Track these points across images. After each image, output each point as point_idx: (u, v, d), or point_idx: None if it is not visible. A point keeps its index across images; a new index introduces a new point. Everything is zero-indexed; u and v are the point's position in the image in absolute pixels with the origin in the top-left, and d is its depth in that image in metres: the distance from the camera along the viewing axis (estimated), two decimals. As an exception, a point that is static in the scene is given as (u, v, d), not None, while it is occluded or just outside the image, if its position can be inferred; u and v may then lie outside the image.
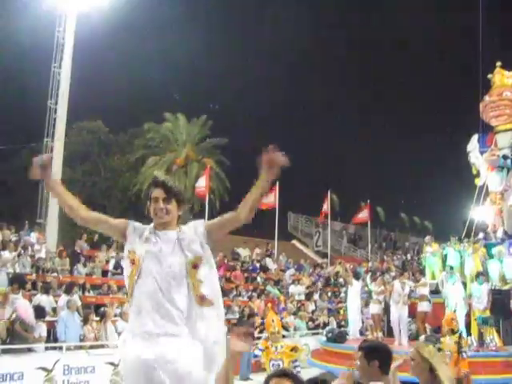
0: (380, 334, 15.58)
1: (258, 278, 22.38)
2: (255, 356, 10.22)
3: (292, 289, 21.54)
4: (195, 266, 3.53)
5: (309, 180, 37.92)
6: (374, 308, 15.70)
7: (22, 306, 12.32)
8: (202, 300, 3.52)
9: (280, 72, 42.59)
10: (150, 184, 3.75)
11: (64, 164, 22.62)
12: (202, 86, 38.11)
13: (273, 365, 12.52)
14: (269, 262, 24.92)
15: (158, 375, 3.35)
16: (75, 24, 22.44)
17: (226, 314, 17.21)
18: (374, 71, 44.20)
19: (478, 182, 19.09)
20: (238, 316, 17.42)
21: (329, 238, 30.60)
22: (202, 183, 25.49)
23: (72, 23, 22.32)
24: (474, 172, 19.09)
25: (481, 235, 17.89)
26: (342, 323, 18.92)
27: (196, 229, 3.63)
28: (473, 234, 18.48)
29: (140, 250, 3.54)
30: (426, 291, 15.06)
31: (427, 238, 18.87)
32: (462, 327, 13.25)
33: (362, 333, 16.55)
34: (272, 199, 25.89)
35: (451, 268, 15.37)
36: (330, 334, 15.46)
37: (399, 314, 14.52)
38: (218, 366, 3.39)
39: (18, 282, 13.17)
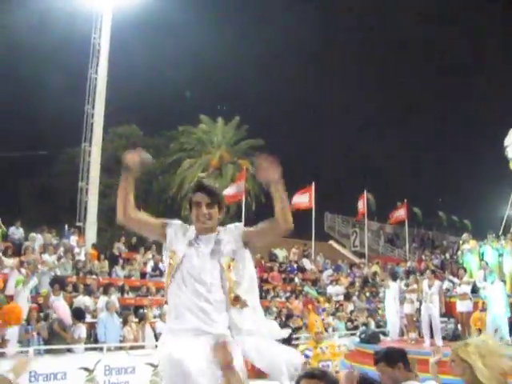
0: (414, 335, 15.15)
1: (296, 279, 22.30)
2: (306, 356, 10.07)
3: (330, 289, 21.41)
4: (229, 267, 3.54)
5: (345, 180, 37.72)
6: (407, 307, 15.37)
7: (60, 306, 12.53)
8: (236, 301, 3.52)
9: (314, 71, 42.47)
10: (193, 188, 3.71)
11: (101, 169, 22.88)
12: (236, 87, 38.18)
13: (322, 366, 12.55)
14: (306, 262, 24.81)
15: (196, 371, 3.33)
16: (110, 29, 22.74)
17: (265, 316, 17.23)
18: (410, 69, 43.71)
19: None
20: (275, 317, 17.39)
21: (366, 238, 30.34)
22: (239, 185, 25.48)
23: (107, 28, 22.61)
24: None
25: None
26: (381, 323, 18.68)
27: (233, 232, 3.63)
28: (511, 230, 17.93)
29: (181, 251, 3.56)
30: (467, 289, 14.67)
31: (464, 236, 18.52)
32: (504, 328, 12.92)
33: (403, 333, 16.25)
34: (308, 199, 25.78)
35: (487, 264, 15.04)
36: (363, 335, 15.23)
37: (429, 313, 13.96)
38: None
39: (58, 283, 13.40)
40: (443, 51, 43.06)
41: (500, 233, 18.22)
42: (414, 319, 15.47)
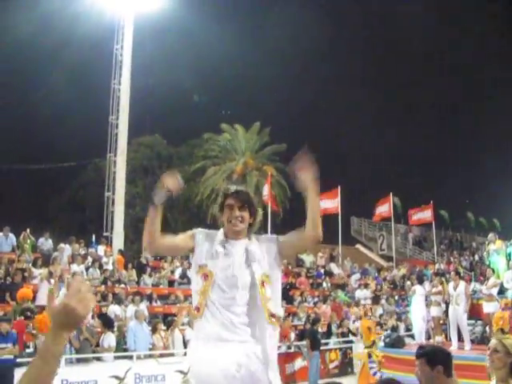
0: (440, 338, 14.69)
1: (324, 284, 22.21)
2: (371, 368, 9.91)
3: (358, 293, 21.26)
4: (263, 282, 3.51)
5: (371, 184, 37.50)
6: (434, 310, 14.88)
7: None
8: (273, 317, 3.49)
9: (335, 72, 42.36)
10: (225, 192, 3.70)
11: (126, 179, 23.11)
12: (257, 93, 38.27)
13: (374, 373, 12.54)
14: (333, 267, 24.71)
15: (233, 378, 3.34)
16: (132, 40, 22.98)
17: (292, 321, 17.20)
18: (438, 67, 43.41)
19: None
20: (304, 322, 17.32)
21: (393, 241, 30.07)
22: (264, 191, 25.53)
23: (129, 39, 22.87)
24: None
25: None
26: (410, 327, 18.47)
27: (268, 246, 3.59)
28: None
29: (211, 263, 3.51)
30: (494, 291, 14.35)
31: (490, 236, 18.08)
32: None
33: (430, 337, 15.87)
34: (335, 204, 25.68)
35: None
36: (387, 339, 14.68)
37: (455, 315, 13.52)
38: None
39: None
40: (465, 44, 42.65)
41: None
42: (441, 322, 15.12)
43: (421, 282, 16.33)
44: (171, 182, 3.74)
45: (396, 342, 14.23)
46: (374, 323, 16.21)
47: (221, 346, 3.38)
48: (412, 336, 16.27)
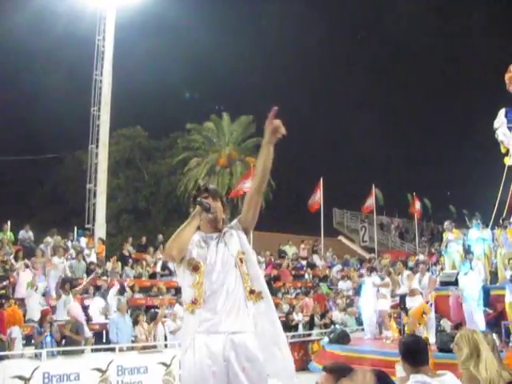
0: (389, 333, 13.92)
1: (306, 275, 22.29)
2: None
3: (341, 285, 21.36)
4: (241, 260, 3.68)
5: (352, 175, 37.61)
6: (380, 304, 14.17)
7: (74, 307, 12.61)
8: (252, 294, 3.64)
9: (319, 68, 42.40)
10: (197, 188, 3.97)
11: (107, 172, 22.96)
12: (241, 85, 38.12)
13: None
14: (316, 258, 24.80)
15: (229, 361, 3.46)
16: (114, 31, 22.79)
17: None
18: (416, 64, 43.58)
19: (508, 161, 16.68)
20: (286, 313, 17.42)
21: (375, 233, 30.30)
22: (247, 183, 25.45)
23: (111, 30, 22.67)
24: (503, 151, 16.84)
25: None
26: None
27: (232, 224, 3.84)
28: (504, 217, 16.00)
29: (197, 255, 3.67)
30: (416, 285, 13.34)
31: (447, 224, 16.42)
32: (480, 325, 11.46)
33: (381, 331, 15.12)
34: (317, 196, 25.77)
35: (467, 254, 13.86)
36: (332, 335, 13.67)
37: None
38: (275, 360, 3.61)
39: (67, 284, 13.50)
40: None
41: (491, 220, 16.60)
42: (395, 315, 14.34)
43: (371, 272, 15.40)
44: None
45: (340, 338, 13.41)
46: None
47: (216, 332, 3.50)
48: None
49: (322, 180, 25.68)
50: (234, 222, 3.84)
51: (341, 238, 36.01)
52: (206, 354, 3.46)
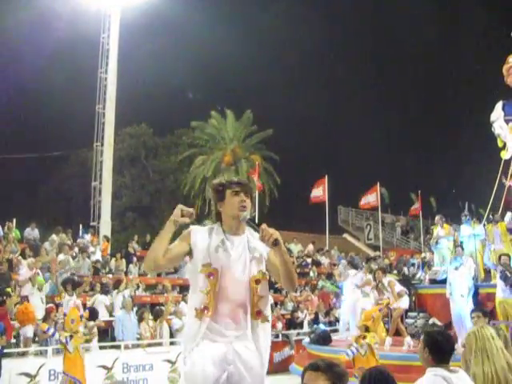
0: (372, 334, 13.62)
1: (311, 273, 22.27)
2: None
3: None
4: (257, 281, 3.54)
5: (358, 173, 37.53)
6: (363, 303, 13.23)
7: (69, 306, 12.61)
8: (258, 315, 3.53)
9: (324, 65, 42.34)
10: (227, 182, 3.66)
11: (112, 170, 23.00)
12: (244, 81, 38.03)
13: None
14: (321, 256, 24.79)
15: (231, 366, 3.43)
16: (119, 29, 22.82)
17: (280, 310, 17.27)
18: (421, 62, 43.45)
19: (505, 155, 16.03)
20: (291, 311, 17.44)
21: (380, 231, 30.21)
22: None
23: (116, 28, 22.70)
24: (500, 145, 16.20)
25: (509, 215, 14.76)
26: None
27: (263, 248, 3.57)
28: (500, 212, 15.38)
29: (214, 260, 3.50)
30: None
31: (437, 218, 16.03)
32: (467, 323, 10.60)
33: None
34: (321, 193, 25.71)
35: (456, 247, 13.11)
36: (312, 335, 13.21)
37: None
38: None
39: (69, 283, 13.50)
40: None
41: (486, 215, 16.05)
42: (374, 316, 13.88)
43: (354, 268, 14.53)
44: (181, 217, 3.57)
45: (321, 338, 12.87)
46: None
47: (220, 340, 3.45)
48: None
49: (326, 177, 25.62)
50: (265, 250, 3.58)
51: (346, 235, 35.99)
52: (209, 362, 3.39)
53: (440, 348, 3.90)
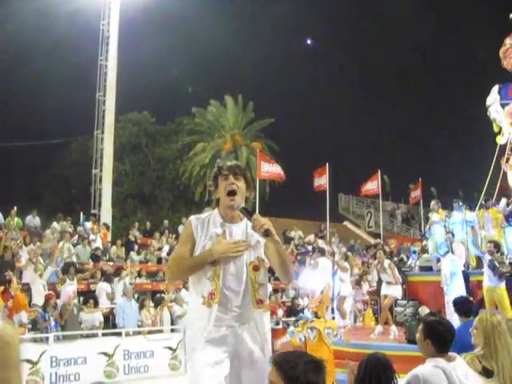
0: (349, 322, 13.27)
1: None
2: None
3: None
4: (256, 267, 3.54)
5: (359, 161, 37.49)
6: (340, 289, 13.22)
7: (66, 292, 12.68)
8: (259, 303, 3.54)
9: (326, 54, 42.21)
10: (217, 167, 3.67)
11: (113, 157, 22.97)
12: (243, 71, 37.94)
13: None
14: (321, 243, 24.76)
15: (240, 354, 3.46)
16: (119, 16, 22.70)
17: (281, 297, 17.32)
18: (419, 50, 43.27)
19: (500, 139, 15.77)
20: (292, 298, 17.48)
21: (381, 218, 30.22)
22: (264, 168, 25.17)
23: (116, 15, 22.58)
24: (496, 129, 15.94)
25: (503, 201, 14.59)
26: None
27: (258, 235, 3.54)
28: (494, 198, 15.20)
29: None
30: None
31: (433, 204, 15.64)
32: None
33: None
34: (324, 181, 25.63)
35: (447, 234, 13.04)
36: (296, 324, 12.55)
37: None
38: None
39: (73, 267, 13.55)
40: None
41: (479, 202, 15.60)
42: (346, 302, 13.64)
43: (323, 254, 13.96)
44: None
45: None
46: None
47: (227, 329, 3.45)
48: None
49: (327, 165, 25.54)
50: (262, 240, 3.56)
51: (346, 223, 36.02)
52: (218, 349, 3.41)
53: (443, 338, 3.87)
